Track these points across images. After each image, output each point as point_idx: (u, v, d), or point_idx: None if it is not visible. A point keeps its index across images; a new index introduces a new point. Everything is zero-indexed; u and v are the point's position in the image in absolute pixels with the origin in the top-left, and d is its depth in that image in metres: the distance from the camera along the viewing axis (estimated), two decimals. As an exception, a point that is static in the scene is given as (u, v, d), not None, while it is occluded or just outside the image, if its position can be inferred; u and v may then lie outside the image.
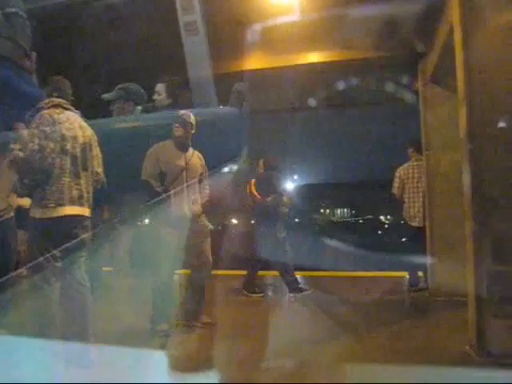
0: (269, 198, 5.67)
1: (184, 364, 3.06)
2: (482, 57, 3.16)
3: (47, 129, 2.95)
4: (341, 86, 6.01)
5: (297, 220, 23.59)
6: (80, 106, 3.34)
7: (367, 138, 30.26)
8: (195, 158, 4.04)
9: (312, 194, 28.76)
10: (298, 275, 5.67)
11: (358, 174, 32.85)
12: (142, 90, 4.41)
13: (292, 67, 5.64)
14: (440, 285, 4.93)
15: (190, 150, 4.03)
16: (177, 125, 3.92)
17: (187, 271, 4.16)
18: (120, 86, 4.34)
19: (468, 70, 3.21)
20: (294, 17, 4.80)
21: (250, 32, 4.63)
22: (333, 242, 12.21)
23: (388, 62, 5.69)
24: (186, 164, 3.93)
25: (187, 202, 3.91)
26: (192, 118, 3.93)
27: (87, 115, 3.43)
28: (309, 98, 7.02)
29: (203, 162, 4.09)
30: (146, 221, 4.43)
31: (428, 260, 5.20)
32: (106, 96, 4.33)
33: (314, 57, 5.74)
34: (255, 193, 5.75)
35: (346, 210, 36.43)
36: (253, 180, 5.86)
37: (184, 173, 3.90)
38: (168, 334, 3.70)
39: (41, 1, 4.97)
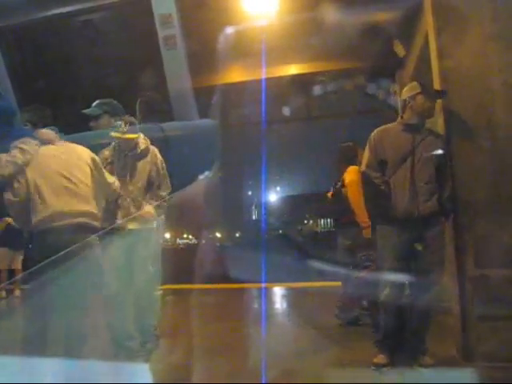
0: None
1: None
2: (457, 65, 3.21)
3: None
4: (318, 97, 6.04)
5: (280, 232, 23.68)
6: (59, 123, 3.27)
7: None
8: (429, 137, 3.15)
9: (295, 204, 28.92)
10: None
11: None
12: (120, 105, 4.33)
13: (271, 79, 5.66)
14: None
15: (426, 126, 3.18)
16: (419, 92, 3.11)
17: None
18: (99, 101, 4.20)
19: (443, 79, 3.26)
20: (271, 28, 4.84)
21: (229, 44, 4.64)
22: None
23: (366, 71, 5.76)
24: (414, 147, 3.08)
25: (412, 196, 3.04)
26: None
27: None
28: (287, 109, 7.06)
29: (443, 139, 3.21)
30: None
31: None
32: (88, 111, 4.08)
33: (292, 69, 5.79)
34: None
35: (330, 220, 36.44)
36: None
37: (410, 159, 3.06)
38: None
39: (19, 17, 4.94)
